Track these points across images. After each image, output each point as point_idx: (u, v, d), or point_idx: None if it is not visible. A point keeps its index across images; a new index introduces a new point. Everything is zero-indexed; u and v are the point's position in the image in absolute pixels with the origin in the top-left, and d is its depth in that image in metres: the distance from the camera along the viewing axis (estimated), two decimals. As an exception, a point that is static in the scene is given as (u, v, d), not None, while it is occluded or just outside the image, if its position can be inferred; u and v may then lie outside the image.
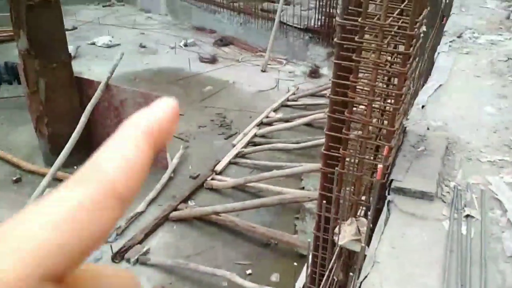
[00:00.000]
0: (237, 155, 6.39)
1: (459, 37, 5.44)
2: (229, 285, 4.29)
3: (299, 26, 10.10)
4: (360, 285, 2.10)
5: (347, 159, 2.77)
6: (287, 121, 7.33)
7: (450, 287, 2.05)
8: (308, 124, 7.18)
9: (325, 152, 2.84)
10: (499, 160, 3.01)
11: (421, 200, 2.57)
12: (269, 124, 7.34)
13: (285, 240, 4.74)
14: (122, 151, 0.20)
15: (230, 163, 6.26)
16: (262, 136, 7.00)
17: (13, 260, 0.20)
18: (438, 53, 5.05)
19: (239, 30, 11.15)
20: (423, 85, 4.37)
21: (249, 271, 4.51)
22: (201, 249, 4.77)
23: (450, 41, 5.29)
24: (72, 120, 5.56)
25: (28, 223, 0.21)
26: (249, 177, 5.71)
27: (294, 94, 8.39)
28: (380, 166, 2.33)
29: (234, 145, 6.61)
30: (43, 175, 5.21)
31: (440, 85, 4.16)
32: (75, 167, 5.88)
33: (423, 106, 3.75)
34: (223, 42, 10.88)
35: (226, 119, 7.53)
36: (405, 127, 3.37)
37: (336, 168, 2.62)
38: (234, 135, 7.00)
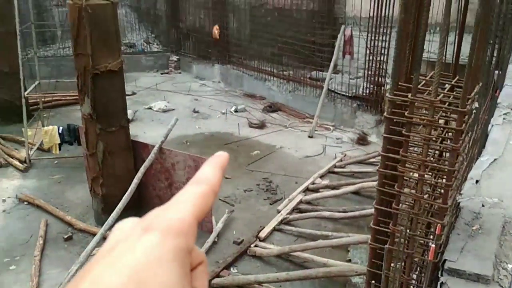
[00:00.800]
0: (281, 222, 6.32)
1: (513, 109, 5.30)
2: None
3: (347, 94, 10.24)
4: None
5: (397, 235, 2.68)
6: (334, 188, 7.25)
7: None
8: (355, 192, 7.06)
9: (374, 226, 2.77)
10: None
11: (476, 284, 2.41)
12: (315, 190, 7.28)
13: (330, 315, 4.52)
14: (211, 172, 0.41)
15: (274, 229, 6.19)
16: (308, 202, 6.92)
17: (186, 210, 0.38)
18: (492, 125, 4.92)
19: (288, 97, 11.44)
20: (477, 158, 4.23)
21: None
22: (242, 319, 4.64)
23: (504, 114, 5.16)
24: (126, 181, 5.77)
25: (185, 193, 0.40)
26: (293, 245, 5.60)
27: (341, 160, 8.35)
28: (432, 245, 2.24)
29: (279, 211, 6.57)
30: (93, 234, 5.36)
31: (495, 159, 4.02)
32: (124, 227, 6.02)
33: (477, 181, 3.61)
34: (272, 108, 11.17)
35: (272, 184, 7.55)
36: (459, 203, 3.24)
37: (386, 245, 2.54)
38: (280, 200, 6.98)
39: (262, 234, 5.99)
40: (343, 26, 10.27)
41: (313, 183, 7.48)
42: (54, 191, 6.97)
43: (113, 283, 0.32)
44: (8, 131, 9.08)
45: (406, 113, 2.48)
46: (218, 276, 5.13)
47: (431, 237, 2.75)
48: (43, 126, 7.88)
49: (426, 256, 2.58)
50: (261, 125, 10.18)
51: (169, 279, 0.34)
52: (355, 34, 10.28)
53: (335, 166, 8.16)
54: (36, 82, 8.44)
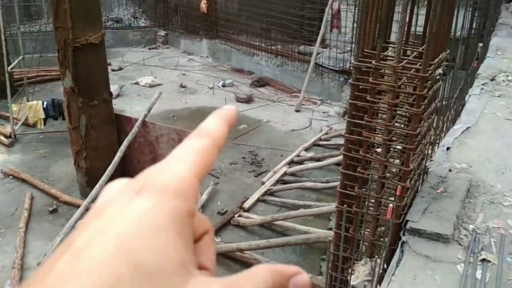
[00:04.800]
0: (265, 193, 6.43)
1: (492, 80, 5.37)
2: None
3: (334, 68, 10.25)
4: (365, 325, 2.06)
5: (363, 198, 2.77)
6: (318, 160, 7.35)
7: (460, 333, 1.98)
8: (339, 164, 7.15)
9: (340, 190, 2.86)
10: (524, 204, 2.92)
11: (436, 243, 2.52)
12: (300, 163, 7.37)
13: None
14: (216, 124, 0.36)
15: (258, 200, 6.30)
16: (292, 174, 7.03)
17: (186, 167, 0.33)
18: (469, 95, 4.99)
19: (276, 72, 11.43)
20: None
21: (270, 311, 4.45)
22: (224, 286, 4.76)
23: (483, 84, 5.23)
24: (110, 154, 5.82)
25: (185, 148, 0.35)
26: (276, 215, 5.72)
27: (326, 133, 8.43)
28: (390, 205, 2.33)
29: (263, 183, 6.67)
30: (78, 207, 5.44)
31: (468, 127, 4.10)
32: (109, 199, 6.10)
33: (448, 148, 3.70)
34: (260, 83, 11.17)
35: (257, 157, 7.64)
36: (428, 169, 3.33)
37: (355, 207, 2.63)
38: (264, 173, 7.08)
39: (246, 205, 6.09)
40: (330, 0, 10.19)
41: (298, 155, 7.57)
42: (39, 165, 7.01)
43: (99, 253, 0.27)
44: (-7, 106, 9.07)
45: (370, 79, 2.54)
46: (201, 245, 5.24)
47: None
48: (28, 101, 7.86)
49: (391, 218, 2.67)
50: (248, 100, 10.20)
51: (166, 248, 0.29)
52: (342, 7, 10.22)
53: (320, 139, 8.24)
54: (20, 57, 8.37)
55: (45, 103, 7.54)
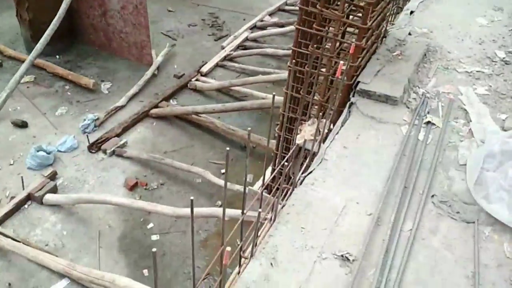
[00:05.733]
0: (225, 58, 6.21)
1: None
2: (203, 181, 4.38)
3: None
4: (303, 179, 2.10)
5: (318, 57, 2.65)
6: (281, 26, 7.03)
7: (393, 188, 2.04)
8: (303, 31, 6.89)
9: (294, 48, 2.72)
10: (477, 71, 2.89)
11: (384, 104, 2.50)
12: (263, 28, 7.05)
13: (262, 144, 4.75)
14: None
15: (217, 65, 6.10)
16: (254, 40, 6.75)
17: None
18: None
19: None
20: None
21: (223, 171, 4.58)
22: (179, 146, 4.81)
23: None
24: (54, 7, 5.26)
25: None
26: (234, 80, 5.59)
27: (293, -2, 7.97)
28: (341, 62, 2.22)
29: (223, 47, 6.40)
30: (23, 61, 5.08)
31: (436, -9, 3.89)
32: (57, 56, 5.75)
33: (411, 12, 3.53)
34: None
35: (218, 20, 7.22)
36: (388, 32, 3.19)
37: (307, 67, 2.51)
38: (225, 37, 6.76)
39: (204, 69, 5.91)
40: None
41: (261, 20, 7.21)
42: (-22, 17, 6.39)
43: None
44: None
45: None
46: (156, 106, 5.15)
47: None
48: None
49: (341, 79, 2.59)
50: (211, -44, 9.30)
51: None
52: None
53: (286, 4, 7.80)
54: None
55: None
